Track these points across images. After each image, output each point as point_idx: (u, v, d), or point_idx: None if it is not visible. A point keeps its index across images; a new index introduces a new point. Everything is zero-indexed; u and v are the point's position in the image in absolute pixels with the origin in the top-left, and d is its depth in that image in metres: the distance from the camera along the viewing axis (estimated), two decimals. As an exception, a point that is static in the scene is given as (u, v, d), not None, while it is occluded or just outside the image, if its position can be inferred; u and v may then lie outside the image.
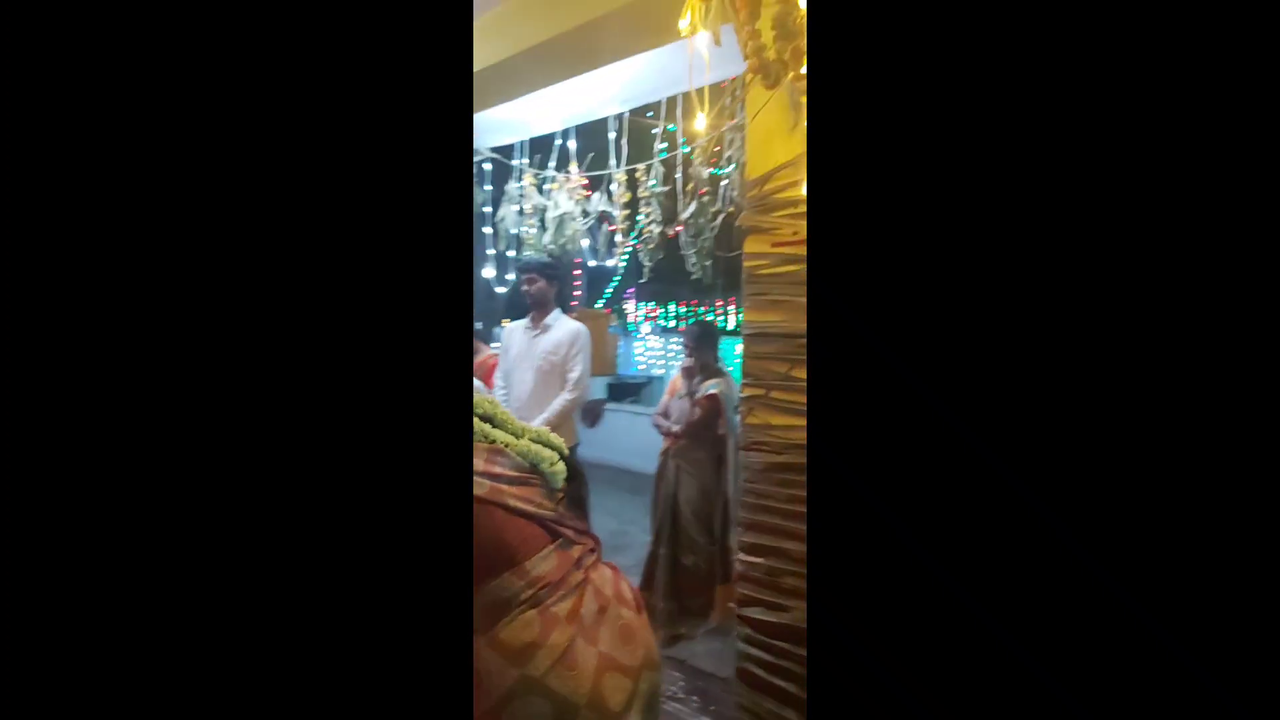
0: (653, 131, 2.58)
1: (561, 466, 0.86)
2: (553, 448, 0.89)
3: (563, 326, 2.26)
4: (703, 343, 2.48)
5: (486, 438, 0.84)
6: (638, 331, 9.00)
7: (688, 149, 2.43)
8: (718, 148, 2.46)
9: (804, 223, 1.37)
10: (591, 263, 2.97)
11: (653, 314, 8.91)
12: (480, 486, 0.78)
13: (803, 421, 1.40)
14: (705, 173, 2.44)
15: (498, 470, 0.81)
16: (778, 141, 1.38)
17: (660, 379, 8.04)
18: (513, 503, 0.80)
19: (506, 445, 0.84)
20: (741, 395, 1.53)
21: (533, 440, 0.88)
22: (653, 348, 8.91)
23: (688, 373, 2.50)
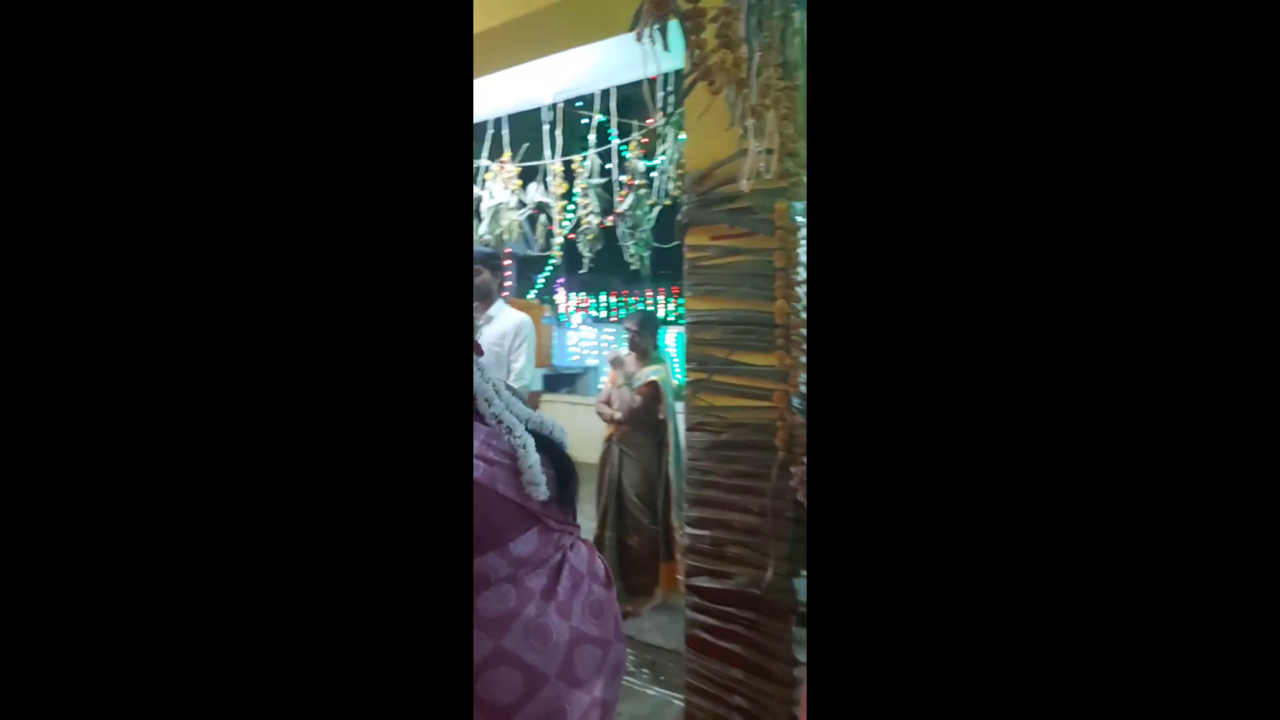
0: (583, 121, 2.62)
1: (541, 487, 0.85)
2: (551, 448, 0.90)
3: (507, 317, 2.27)
4: (645, 330, 2.55)
5: (496, 417, 0.86)
6: (570, 322, 8.99)
7: (616, 137, 2.48)
8: (645, 140, 2.53)
9: (744, 217, 1.47)
10: (526, 253, 2.97)
11: (584, 304, 8.92)
12: (476, 469, 0.81)
13: (742, 402, 1.50)
14: (641, 165, 2.51)
15: (492, 455, 0.84)
16: (715, 138, 1.46)
17: (595, 369, 8.08)
18: (502, 489, 0.83)
19: (509, 430, 0.86)
20: (685, 379, 1.62)
21: (531, 430, 0.89)
22: (586, 338, 8.92)
23: (615, 362, 2.58)
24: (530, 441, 0.85)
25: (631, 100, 2.40)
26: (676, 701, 1.86)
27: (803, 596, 1.46)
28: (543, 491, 0.84)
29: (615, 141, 2.53)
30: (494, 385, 0.90)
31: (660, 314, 7.71)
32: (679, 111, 2.12)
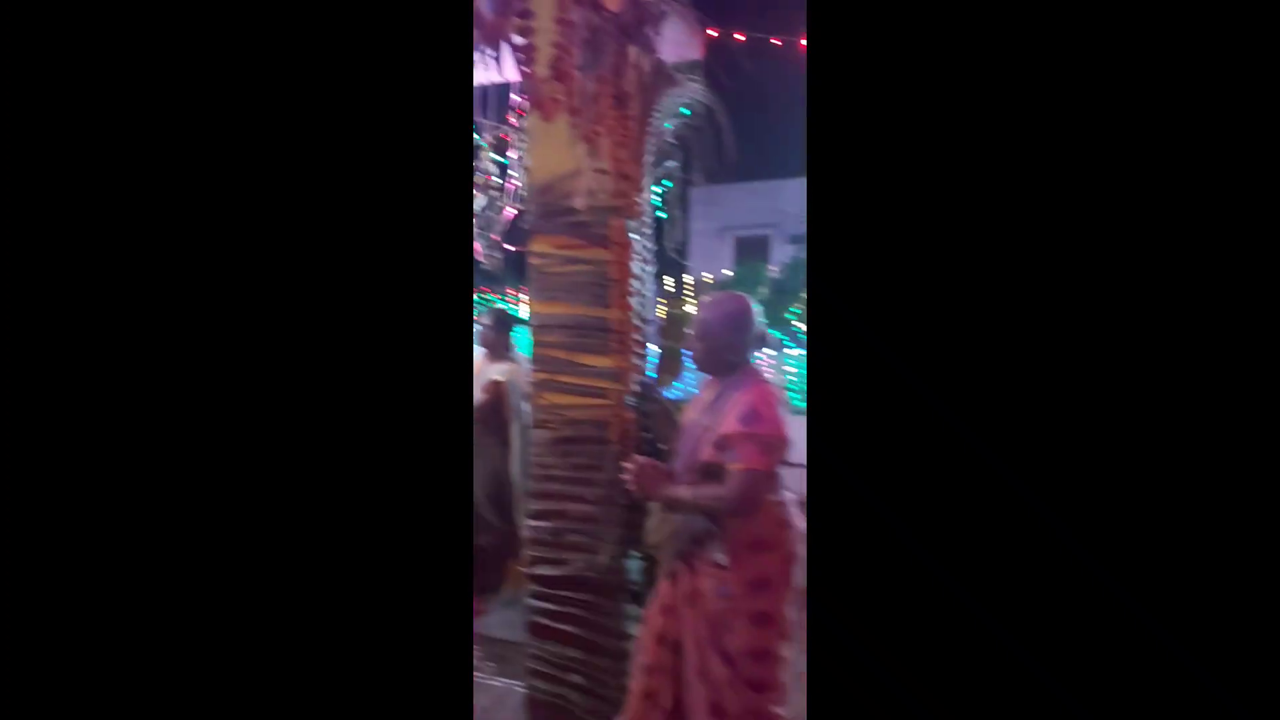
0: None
1: None
2: None
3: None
4: (498, 327, 2.57)
5: None
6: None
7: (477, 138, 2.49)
8: (505, 136, 2.56)
9: (581, 230, 1.57)
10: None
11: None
12: None
13: (582, 400, 1.61)
14: (493, 167, 2.53)
15: None
16: (558, 151, 1.55)
17: (447, 368, 7.79)
18: None
19: None
20: (531, 380, 1.69)
21: None
22: (439, 336, 8.57)
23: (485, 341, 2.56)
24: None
25: (488, 98, 2.41)
26: (519, 689, 1.92)
27: (634, 576, 1.60)
28: None
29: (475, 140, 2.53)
30: None
31: (521, 314, 7.63)
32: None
